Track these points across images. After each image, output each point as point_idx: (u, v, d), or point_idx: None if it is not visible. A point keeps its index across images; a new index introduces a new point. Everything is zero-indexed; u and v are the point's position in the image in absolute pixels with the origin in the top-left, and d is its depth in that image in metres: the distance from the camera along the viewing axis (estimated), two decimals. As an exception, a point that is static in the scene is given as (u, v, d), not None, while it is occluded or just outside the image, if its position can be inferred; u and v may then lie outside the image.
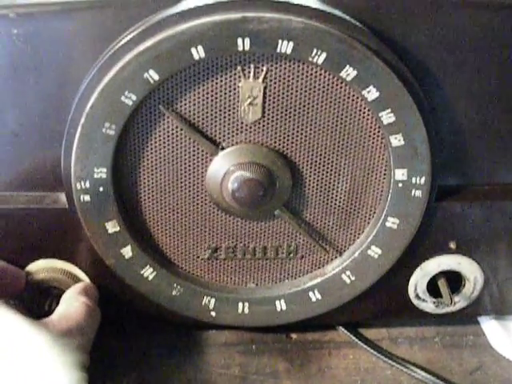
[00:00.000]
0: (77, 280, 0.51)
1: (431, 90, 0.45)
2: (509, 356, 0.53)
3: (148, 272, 0.50)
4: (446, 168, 0.48)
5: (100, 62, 0.43)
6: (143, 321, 0.53)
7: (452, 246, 0.51)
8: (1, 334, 0.43)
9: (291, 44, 0.41)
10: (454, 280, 0.53)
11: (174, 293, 0.51)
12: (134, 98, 0.43)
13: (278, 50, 0.42)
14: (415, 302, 0.53)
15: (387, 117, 0.44)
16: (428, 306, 0.53)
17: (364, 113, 0.45)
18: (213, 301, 0.52)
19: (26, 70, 0.44)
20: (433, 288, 0.52)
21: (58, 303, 0.51)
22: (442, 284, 0.52)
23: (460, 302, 0.53)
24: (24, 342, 0.43)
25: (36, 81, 0.44)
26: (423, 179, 0.46)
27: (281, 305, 0.52)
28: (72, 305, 0.48)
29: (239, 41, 0.41)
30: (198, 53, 0.41)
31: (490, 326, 0.56)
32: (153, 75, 0.42)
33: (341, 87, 0.44)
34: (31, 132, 0.46)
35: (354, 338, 0.55)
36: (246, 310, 0.52)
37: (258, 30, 0.41)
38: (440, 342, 0.55)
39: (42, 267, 0.51)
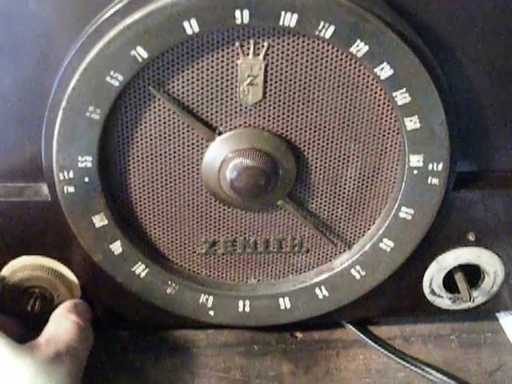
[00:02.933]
0: (62, 278, 0.47)
1: (450, 67, 0.41)
2: (531, 355, 0.49)
3: (140, 269, 0.46)
4: (464, 153, 0.44)
5: (82, 38, 0.39)
6: (135, 322, 0.49)
7: (471, 237, 0.47)
8: None
9: (295, 16, 0.37)
10: (472, 274, 0.49)
11: (168, 291, 0.47)
12: (120, 78, 0.39)
13: (281, 24, 0.37)
14: (430, 297, 0.50)
15: (402, 97, 0.40)
16: (444, 302, 0.50)
17: (376, 92, 0.41)
18: (211, 299, 0.48)
19: (1, 43, 0.40)
20: (449, 282, 0.48)
21: (41, 303, 0.47)
22: (460, 279, 0.48)
23: (479, 298, 0.50)
24: (7, 369, 0.38)
25: (11, 62, 0.40)
26: (441, 165, 0.42)
27: (285, 302, 0.48)
28: (61, 324, 0.44)
29: (237, 13, 0.37)
30: (191, 27, 0.37)
31: (509, 322, 0.52)
32: (141, 52, 0.38)
33: (350, 64, 0.40)
34: (8, 118, 0.42)
35: (364, 336, 0.51)
36: (247, 308, 0.48)
37: (258, 0, 0.36)
38: (456, 341, 0.52)
39: (24, 264, 0.47)
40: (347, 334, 0.52)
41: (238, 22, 0.37)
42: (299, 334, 0.52)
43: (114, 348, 0.50)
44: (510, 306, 0.51)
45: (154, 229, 0.46)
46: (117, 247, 0.45)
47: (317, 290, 0.48)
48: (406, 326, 0.52)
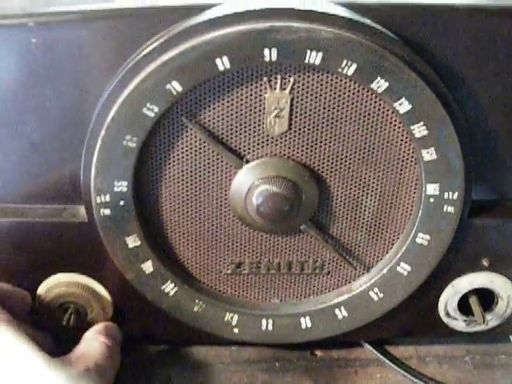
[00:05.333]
0: (95, 295, 0.49)
1: (465, 102, 0.43)
2: (543, 377, 0.51)
3: (169, 287, 0.49)
4: (479, 183, 0.46)
5: (121, 72, 0.42)
6: (163, 337, 0.52)
7: (485, 263, 0.49)
8: (16, 371, 0.41)
9: (320, 54, 0.39)
10: (486, 297, 0.51)
11: (195, 309, 0.50)
12: (156, 109, 0.42)
13: (306, 61, 0.40)
14: (445, 319, 0.51)
15: (419, 130, 0.42)
16: (458, 324, 0.51)
17: (395, 126, 0.43)
18: (236, 317, 0.50)
19: (44, 80, 0.43)
20: (463, 305, 0.50)
21: (75, 318, 0.50)
22: (474, 302, 0.50)
23: (492, 321, 0.51)
24: (40, 379, 0.41)
25: (55, 91, 0.43)
26: (456, 194, 0.44)
27: (306, 322, 0.50)
28: (91, 344, 0.47)
29: (266, 51, 0.39)
30: (222, 63, 0.40)
31: (522, 345, 0.54)
32: (176, 86, 0.41)
33: (371, 99, 0.42)
34: (50, 143, 0.45)
35: (381, 356, 0.53)
36: (270, 327, 0.50)
37: (285, 40, 0.39)
38: (470, 362, 0.53)
39: (60, 281, 0.49)
40: (365, 353, 0.54)
41: (267, 59, 0.40)
42: (319, 352, 0.54)
43: (142, 362, 0.52)
44: (522, 329, 0.53)
45: (184, 250, 0.48)
46: (148, 267, 0.48)
47: (336, 311, 0.50)
48: (422, 347, 0.54)
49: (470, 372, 0.52)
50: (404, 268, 0.48)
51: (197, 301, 0.49)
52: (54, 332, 0.51)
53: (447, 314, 0.51)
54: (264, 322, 0.50)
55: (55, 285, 0.49)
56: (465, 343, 0.54)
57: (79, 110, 0.44)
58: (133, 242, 0.46)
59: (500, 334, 0.53)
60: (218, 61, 0.40)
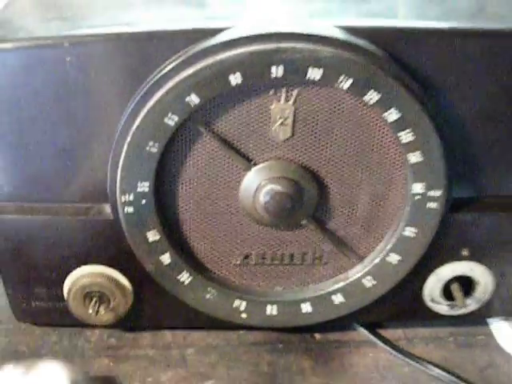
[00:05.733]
0: (118, 284, 0.55)
1: (448, 112, 0.49)
2: (516, 354, 0.57)
3: (184, 277, 0.54)
4: (459, 182, 0.52)
5: (145, 86, 0.47)
6: (178, 322, 0.58)
7: (465, 253, 0.55)
8: None
9: (320, 71, 0.45)
10: (466, 284, 0.57)
11: (207, 296, 0.55)
12: (176, 119, 0.47)
13: (308, 77, 0.46)
14: (430, 304, 0.57)
15: (406, 136, 0.48)
16: (442, 308, 0.57)
17: (384, 132, 0.49)
18: (244, 303, 0.56)
19: (76, 94, 0.48)
20: (446, 290, 0.56)
21: (100, 305, 0.55)
22: (455, 288, 0.56)
23: (472, 305, 0.57)
24: None
25: (85, 103, 0.49)
26: (439, 192, 0.50)
27: (306, 307, 0.56)
28: None
29: (273, 68, 0.45)
30: (235, 79, 0.46)
31: (499, 327, 0.60)
32: (194, 99, 0.46)
33: (364, 110, 0.48)
34: (80, 150, 0.50)
35: (373, 337, 0.59)
36: (274, 312, 0.56)
37: (290, 58, 0.45)
38: (453, 342, 0.59)
39: (86, 272, 0.55)
40: (359, 335, 0.59)
41: (273, 75, 0.46)
42: (318, 335, 0.59)
43: (159, 345, 0.58)
44: (499, 312, 0.59)
45: (197, 243, 0.54)
46: (166, 259, 0.53)
47: (333, 297, 0.56)
48: (410, 329, 0.60)
49: (453, 351, 0.58)
50: (393, 258, 0.54)
51: (209, 289, 0.55)
52: (79, 318, 0.56)
53: (432, 300, 0.57)
54: (269, 307, 0.56)
55: (82, 276, 0.55)
56: (448, 326, 0.60)
57: (106, 120, 0.49)
58: (153, 236, 0.52)
59: (479, 317, 0.59)
60: (230, 77, 0.46)
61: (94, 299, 0.55)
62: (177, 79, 0.46)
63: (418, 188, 0.50)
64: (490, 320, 0.61)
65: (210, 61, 0.45)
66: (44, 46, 0.47)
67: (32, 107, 0.49)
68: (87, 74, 0.48)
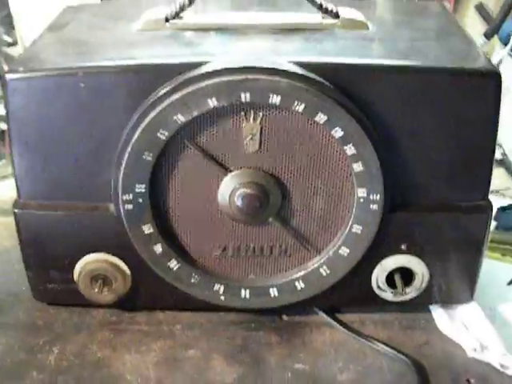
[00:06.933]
0: (119, 269, 0.66)
1: (384, 130, 0.60)
2: (450, 335, 0.68)
3: (173, 264, 0.65)
4: (395, 187, 0.63)
5: (142, 108, 0.59)
6: (169, 303, 0.70)
7: (403, 247, 0.65)
8: None
9: (279, 97, 0.57)
10: (408, 274, 0.68)
11: (192, 281, 0.66)
12: (166, 134, 0.59)
13: (270, 102, 0.58)
14: (377, 291, 0.68)
15: (350, 149, 0.60)
16: (387, 295, 0.69)
17: (333, 146, 0.61)
18: (222, 287, 0.67)
19: (87, 113, 0.60)
20: (391, 280, 0.68)
21: (103, 286, 0.67)
22: (397, 278, 0.67)
23: (412, 292, 0.68)
24: None
25: (95, 120, 0.60)
26: (378, 196, 0.62)
27: (274, 292, 0.67)
28: None
29: (242, 95, 0.57)
30: (213, 102, 0.58)
31: (437, 313, 0.71)
32: (180, 118, 0.58)
33: (315, 128, 0.60)
34: (90, 158, 0.62)
35: (330, 320, 0.70)
36: (248, 296, 0.67)
37: (255, 87, 0.57)
38: (398, 325, 0.70)
39: (92, 259, 0.66)
40: (319, 318, 0.70)
41: (243, 100, 0.58)
42: (285, 317, 0.70)
43: (152, 323, 0.70)
44: (437, 300, 0.70)
45: (184, 236, 0.65)
46: (158, 248, 0.64)
47: (296, 283, 0.66)
48: (362, 314, 0.70)
49: (397, 332, 0.68)
50: (344, 251, 0.65)
51: (193, 275, 0.66)
52: (87, 298, 0.68)
53: (378, 287, 0.68)
54: (243, 291, 0.67)
55: (89, 262, 0.66)
56: (394, 312, 0.70)
57: (111, 135, 0.60)
58: (147, 229, 0.64)
59: (419, 303, 0.70)
60: (209, 100, 0.58)
61: (99, 281, 0.67)
62: (167, 102, 0.58)
63: (361, 192, 0.62)
64: (431, 307, 0.71)
65: (193, 88, 0.58)
66: (63, 75, 0.60)
67: (53, 123, 0.61)
68: (97, 98, 0.60)
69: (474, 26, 1.31)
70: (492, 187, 0.93)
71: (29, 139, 0.62)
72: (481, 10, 1.18)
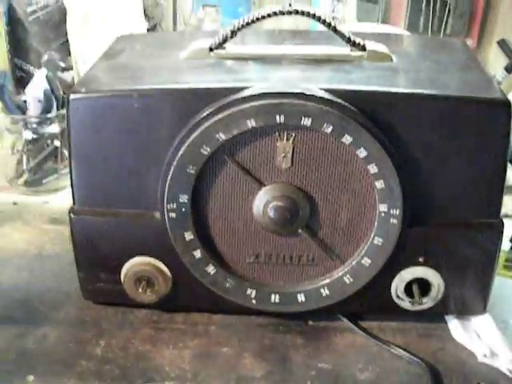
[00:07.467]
0: (161, 272, 0.73)
1: (404, 152, 0.66)
2: (463, 342, 0.74)
3: (210, 269, 0.72)
4: (414, 204, 0.69)
5: (188, 126, 0.66)
6: (206, 305, 0.76)
7: (421, 260, 0.71)
8: None
9: (310, 120, 0.64)
10: (425, 285, 0.74)
11: (227, 285, 0.73)
12: (208, 150, 0.66)
13: (302, 123, 0.65)
14: (396, 300, 0.74)
15: (373, 168, 0.66)
16: (405, 304, 0.74)
17: (358, 165, 0.67)
18: (254, 292, 0.73)
19: (140, 130, 0.67)
20: (409, 290, 0.74)
21: (147, 287, 0.74)
22: (415, 288, 0.73)
23: (428, 302, 0.74)
24: None
25: (146, 137, 0.68)
26: (398, 211, 0.68)
27: (301, 298, 0.73)
28: None
29: (277, 117, 0.65)
30: (251, 123, 0.65)
31: (452, 322, 0.76)
32: (221, 136, 0.66)
33: (342, 148, 0.66)
34: (141, 170, 0.69)
35: (353, 325, 0.76)
36: (277, 301, 0.73)
37: (289, 110, 0.64)
38: (415, 333, 0.75)
39: (137, 262, 0.73)
40: (342, 324, 0.75)
41: (277, 121, 0.65)
42: (310, 322, 0.76)
43: (189, 323, 0.77)
44: (452, 310, 0.75)
45: (221, 243, 0.72)
46: (197, 254, 0.71)
47: (321, 290, 0.72)
48: (381, 322, 0.76)
49: (413, 339, 0.74)
50: (366, 261, 0.71)
51: (228, 279, 0.72)
52: (131, 297, 0.75)
53: (397, 297, 0.74)
54: (273, 296, 0.73)
55: (134, 264, 0.73)
56: (411, 320, 0.76)
57: (160, 150, 0.67)
58: (189, 236, 0.71)
59: (435, 313, 0.75)
60: (248, 121, 0.65)
61: (143, 282, 0.74)
62: (210, 122, 0.65)
63: (382, 207, 0.68)
64: (446, 317, 0.77)
65: (233, 110, 0.65)
66: (119, 96, 0.68)
67: (108, 139, 0.69)
68: (148, 117, 0.67)
69: (497, 60, 1.38)
70: (510, 212, 1.00)
71: (86, 153, 0.70)
72: (503, 45, 1.25)
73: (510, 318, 0.79)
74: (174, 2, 1.45)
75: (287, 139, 0.67)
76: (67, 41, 1.17)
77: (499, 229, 0.71)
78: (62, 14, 1.21)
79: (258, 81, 0.69)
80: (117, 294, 0.76)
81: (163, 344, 0.73)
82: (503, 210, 0.72)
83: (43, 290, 0.82)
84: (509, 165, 0.71)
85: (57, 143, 1.05)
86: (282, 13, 0.72)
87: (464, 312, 0.76)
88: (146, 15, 1.23)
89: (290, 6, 0.72)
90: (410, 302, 0.74)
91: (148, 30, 1.24)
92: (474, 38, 1.41)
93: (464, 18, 1.37)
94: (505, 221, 0.72)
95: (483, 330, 0.75)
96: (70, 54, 1.17)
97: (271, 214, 0.69)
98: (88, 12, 1.17)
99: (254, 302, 0.74)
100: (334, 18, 1.29)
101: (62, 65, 1.11)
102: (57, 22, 1.24)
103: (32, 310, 0.78)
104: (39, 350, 0.72)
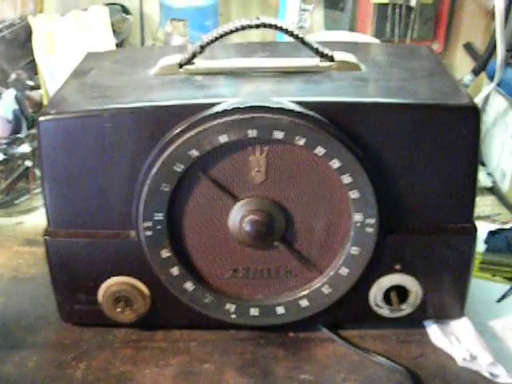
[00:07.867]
0: (139, 291, 0.73)
1: (377, 161, 0.67)
2: (442, 347, 0.74)
3: (188, 286, 0.72)
4: (389, 212, 0.70)
5: (160, 144, 0.66)
6: (185, 321, 0.76)
7: (398, 267, 0.72)
8: None
9: (282, 133, 0.65)
10: (403, 292, 0.74)
11: (205, 301, 0.72)
12: (182, 167, 0.66)
13: (274, 137, 0.65)
14: (375, 308, 0.75)
15: (347, 179, 0.67)
16: (384, 311, 0.75)
17: (332, 176, 0.68)
18: (233, 306, 0.73)
19: (112, 149, 0.67)
20: (387, 297, 0.74)
21: (125, 306, 0.73)
22: (393, 295, 0.73)
23: (407, 309, 0.74)
24: None
25: (118, 156, 0.67)
26: (373, 220, 0.68)
27: (280, 310, 0.73)
28: None
29: (249, 131, 0.65)
30: (223, 138, 0.65)
31: (431, 327, 0.77)
32: (194, 152, 0.66)
33: (315, 160, 0.67)
34: (113, 190, 0.69)
35: (332, 335, 0.76)
36: (256, 313, 0.73)
37: (261, 124, 0.65)
38: (395, 339, 0.76)
39: (115, 282, 0.73)
40: (322, 334, 0.76)
41: (250, 136, 0.65)
42: (291, 333, 0.76)
43: (169, 339, 0.76)
44: (431, 315, 0.76)
45: (198, 260, 0.72)
46: (175, 271, 0.71)
47: (300, 302, 0.72)
48: (361, 330, 0.76)
49: (394, 345, 0.74)
50: (344, 271, 0.71)
51: (206, 295, 0.72)
52: (110, 317, 0.75)
53: (376, 304, 0.74)
54: (252, 310, 0.73)
55: (112, 284, 0.73)
56: (391, 327, 0.77)
57: (132, 169, 0.68)
58: (165, 253, 0.70)
59: (414, 319, 0.76)
60: (220, 137, 0.65)
61: (122, 302, 0.73)
62: (182, 139, 0.65)
63: (358, 217, 0.69)
64: (425, 322, 0.78)
65: (205, 126, 0.65)
66: (90, 117, 0.68)
67: (80, 159, 0.68)
68: (120, 136, 0.67)
69: (464, 63, 1.40)
70: (483, 213, 1.01)
71: (59, 174, 0.69)
72: (468, 48, 1.27)
73: (488, 319, 0.80)
74: (141, 16, 1.45)
75: (260, 153, 0.67)
76: (34, 59, 1.16)
77: (473, 232, 0.72)
78: (28, 32, 1.20)
79: (228, 96, 0.69)
80: (95, 315, 0.75)
81: (144, 363, 0.73)
82: (476, 212, 0.72)
83: (20, 313, 0.81)
84: (479, 167, 0.72)
85: (28, 163, 1.05)
86: (250, 26, 0.72)
87: (442, 316, 0.77)
88: (113, 30, 1.22)
89: (258, 18, 0.72)
90: (388, 309, 0.75)
91: (116, 45, 1.24)
92: (441, 41, 1.43)
93: (430, 23, 1.38)
94: (477, 222, 0.73)
95: (462, 333, 0.76)
96: (37, 73, 1.16)
97: (247, 228, 0.69)
98: (53, 30, 1.16)
99: (233, 316, 0.74)
100: (301, 28, 1.30)
101: (31, 83, 1.10)
102: (23, 41, 1.23)
103: (9, 335, 0.77)
104: (18, 376, 0.71)
